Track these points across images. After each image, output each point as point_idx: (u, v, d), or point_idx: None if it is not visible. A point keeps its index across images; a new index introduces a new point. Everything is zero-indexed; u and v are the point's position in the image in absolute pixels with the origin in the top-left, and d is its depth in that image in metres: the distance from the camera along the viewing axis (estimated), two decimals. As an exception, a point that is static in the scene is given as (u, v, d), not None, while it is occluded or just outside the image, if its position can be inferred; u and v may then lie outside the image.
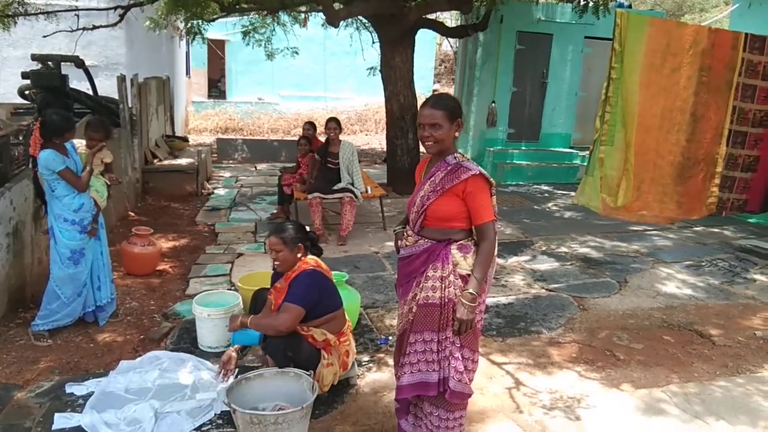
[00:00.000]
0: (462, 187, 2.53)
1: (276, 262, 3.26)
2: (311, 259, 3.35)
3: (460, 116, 2.62)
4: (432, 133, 2.56)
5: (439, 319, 2.59)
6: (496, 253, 2.65)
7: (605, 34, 8.24)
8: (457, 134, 2.61)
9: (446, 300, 2.57)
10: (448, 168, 2.57)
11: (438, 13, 11.59)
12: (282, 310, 3.15)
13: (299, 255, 3.27)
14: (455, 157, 2.60)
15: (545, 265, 5.85)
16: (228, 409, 2.91)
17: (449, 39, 16.90)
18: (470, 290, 2.51)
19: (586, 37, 10.42)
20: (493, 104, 10.27)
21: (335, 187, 6.39)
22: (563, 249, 6.37)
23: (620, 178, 4.62)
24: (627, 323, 4.54)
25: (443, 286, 2.57)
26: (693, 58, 4.71)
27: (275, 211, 7.43)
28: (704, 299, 5.06)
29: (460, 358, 2.58)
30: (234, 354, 3.30)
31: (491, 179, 2.60)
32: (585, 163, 5.96)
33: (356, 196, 6.39)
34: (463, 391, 2.60)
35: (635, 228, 7.14)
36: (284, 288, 3.26)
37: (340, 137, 6.60)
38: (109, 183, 4.38)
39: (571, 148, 10.91)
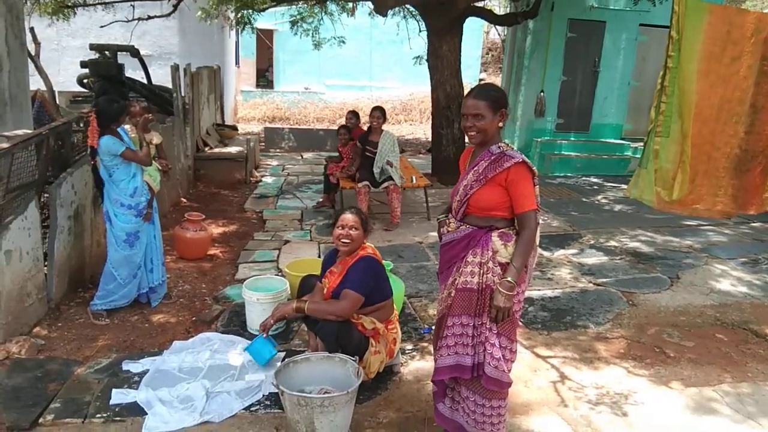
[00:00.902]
0: (504, 175, 2.54)
1: (345, 240, 3.29)
2: (369, 246, 3.41)
3: (505, 107, 2.61)
4: (475, 123, 2.57)
5: (476, 304, 2.61)
6: (537, 243, 2.64)
7: (661, 22, 7.98)
8: (501, 124, 2.61)
9: (484, 286, 2.59)
10: (492, 157, 2.58)
11: (487, 1, 11.43)
12: (342, 297, 3.20)
13: (365, 240, 3.37)
14: (499, 147, 2.60)
15: (593, 258, 5.75)
16: (276, 390, 2.99)
17: (497, 27, 16.65)
18: (508, 278, 2.51)
19: (641, 25, 10.10)
20: (542, 94, 10.09)
21: (378, 179, 6.42)
22: (612, 243, 6.24)
23: (676, 171, 4.47)
24: (678, 320, 4.43)
25: (482, 272, 2.59)
26: (755, 47, 4.50)
27: (321, 200, 7.52)
28: (761, 298, 4.88)
29: (497, 345, 2.59)
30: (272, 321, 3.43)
31: (534, 168, 2.59)
32: (637, 155, 5.81)
33: (395, 181, 6.40)
34: (499, 378, 2.60)
35: (688, 223, 6.93)
36: (341, 273, 3.32)
37: (384, 127, 6.62)
38: (160, 168, 4.52)
39: (622, 139, 10.63)
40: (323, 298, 3.38)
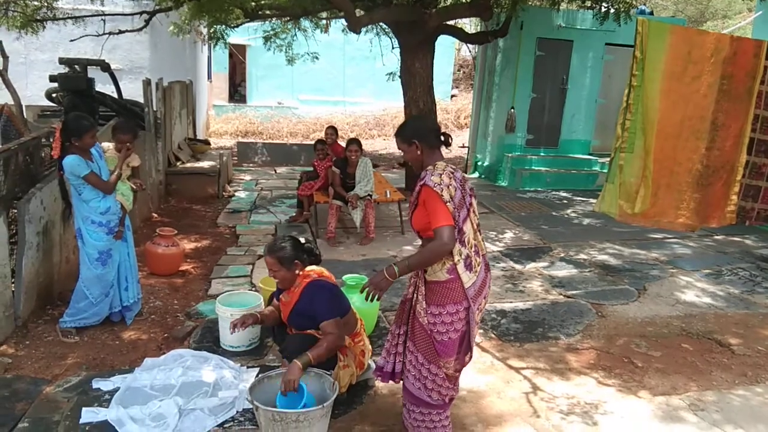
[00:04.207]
0: (421, 196, 2.71)
1: (276, 280, 3.32)
2: (311, 270, 3.36)
3: (416, 139, 2.79)
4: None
5: (404, 313, 2.91)
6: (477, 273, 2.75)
7: (626, 41, 8.24)
8: (419, 152, 2.79)
9: (410, 297, 2.86)
10: (418, 182, 2.78)
11: (458, 20, 11.64)
12: (324, 331, 3.16)
13: (297, 271, 3.28)
14: (426, 171, 2.77)
15: (563, 271, 5.86)
16: (250, 406, 2.98)
17: (468, 45, 16.93)
18: (394, 264, 2.70)
19: (606, 44, 10.39)
20: (512, 110, 10.28)
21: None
22: (582, 256, 6.37)
23: (639, 185, 4.61)
24: (645, 331, 4.54)
25: (414, 282, 2.86)
26: (714, 67, 4.69)
27: (294, 214, 7.52)
28: (724, 308, 5.03)
29: (413, 361, 2.81)
30: (257, 315, 3.41)
31: (436, 189, 2.64)
32: (604, 170, 5.97)
33: (361, 198, 6.47)
34: (411, 390, 2.84)
35: (654, 236, 7.11)
36: (290, 301, 3.30)
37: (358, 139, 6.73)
38: (134, 188, 4.48)
39: (590, 154, 10.88)
40: (282, 319, 3.43)
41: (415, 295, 2.81)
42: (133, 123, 4.50)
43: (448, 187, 2.65)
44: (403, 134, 2.84)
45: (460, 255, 2.67)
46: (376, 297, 2.77)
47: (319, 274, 3.36)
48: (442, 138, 2.82)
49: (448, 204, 2.62)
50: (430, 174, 2.70)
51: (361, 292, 2.80)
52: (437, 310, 2.69)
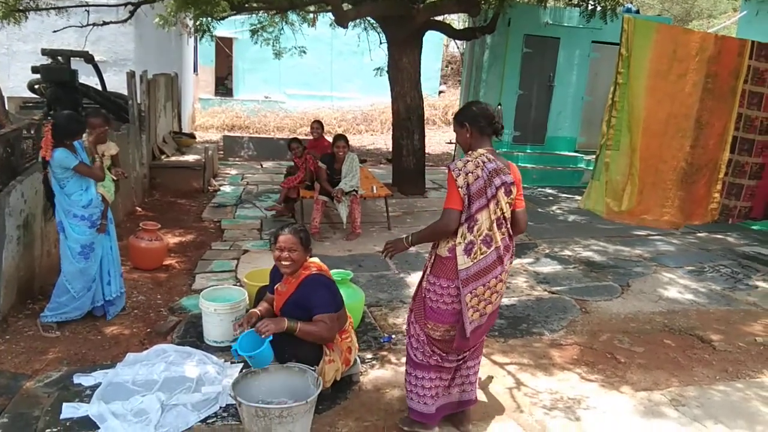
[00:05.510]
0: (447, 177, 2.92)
1: (285, 263, 3.23)
2: (311, 263, 3.35)
3: (467, 122, 2.96)
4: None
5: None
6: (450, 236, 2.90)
7: (613, 39, 8.27)
8: (468, 135, 2.96)
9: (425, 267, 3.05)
10: None
11: (446, 15, 11.63)
12: (319, 321, 3.14)
13: (308, 257, 3.31)
14: (465, 155, 2.95)
15: (548, 267, 5.89)
16: (233, 402, 2.96)
17: (456, 41, 16.93)
18: (410, 234, 3.01)
19: (593, 42, 10.44)
20: (499, 106, 10.27)
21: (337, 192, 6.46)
22: (566, 252, 6.41)
23: (625, 183, 4.64)
24: (628, 327, 4.58)
25: (429, 253, 3.07)
26: (699, 65, 4.73)
27: (276, 205, 7.47)
28: (706, 305, 5.09)
29: (408, 317, 3.11)
30: (258, 313, 3.35)
31: (453, 173, 2.84)
32: (590, 167, 6.01)
33: (347, 193, 6.45)
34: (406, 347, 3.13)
35: (639, 233, 7.17)
36: (287, 292, 3.29)
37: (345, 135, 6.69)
38: (115, 178, 4.42)
39: (576, 151, 10.94)
40: (274, 312, 3.38)
41: (428, 264, 3.03)
42: (100, 109, 4.47)
43: (467, 174, 2.81)
44: (458, 116, 3.03)
45: (463, 239, 2.82)
46: (390, 255, 3.05)
47: (318, 267, 3.35)
48: (494, 126, 2.97)
49: (459, 189, 2.79)
50: (459, 159, 2.92)
51: (384, 249, 3.08)
52: (433, 279, 2.93)
